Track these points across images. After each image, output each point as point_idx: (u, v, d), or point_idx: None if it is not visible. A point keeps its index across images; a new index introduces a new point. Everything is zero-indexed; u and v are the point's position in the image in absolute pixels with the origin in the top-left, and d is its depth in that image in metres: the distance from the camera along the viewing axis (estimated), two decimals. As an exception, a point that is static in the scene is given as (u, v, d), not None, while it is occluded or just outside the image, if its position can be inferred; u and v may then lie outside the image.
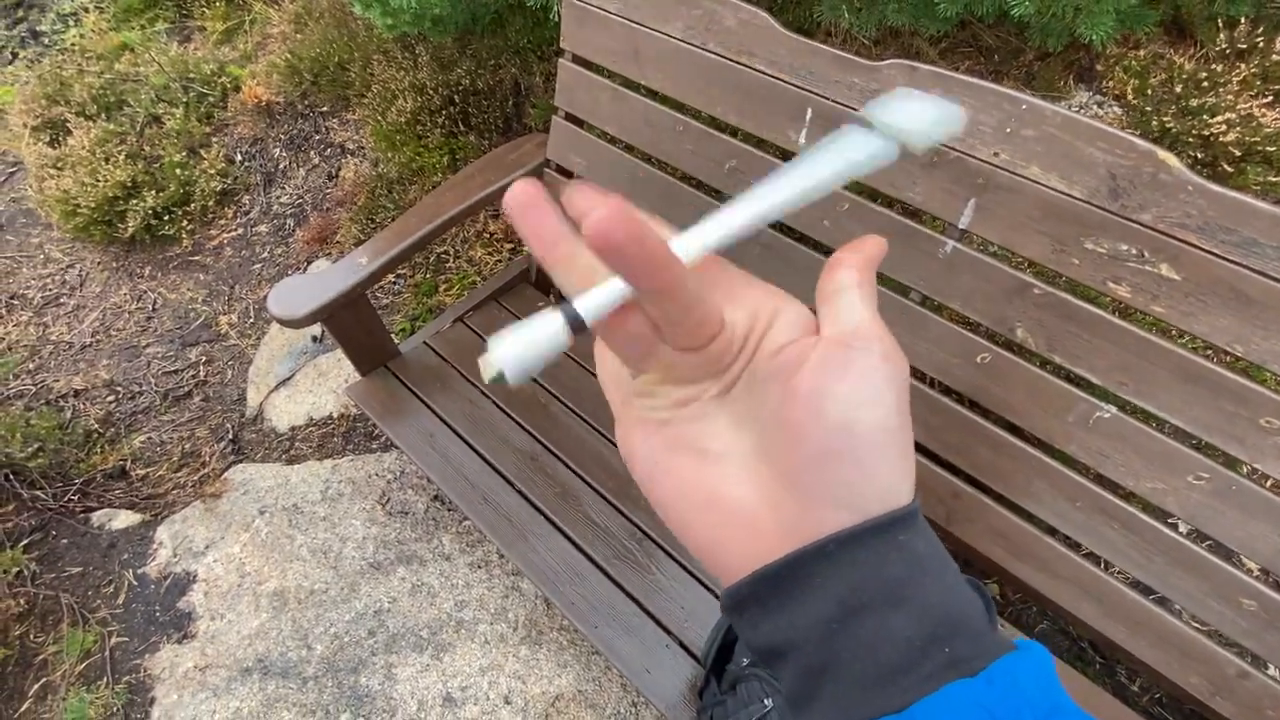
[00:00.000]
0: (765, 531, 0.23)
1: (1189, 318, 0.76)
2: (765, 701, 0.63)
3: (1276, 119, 1.13)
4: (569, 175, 1.34)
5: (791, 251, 1.06)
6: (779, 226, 1.07)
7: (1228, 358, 0.79)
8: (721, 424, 0.24)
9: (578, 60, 1.23)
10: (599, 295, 0.22)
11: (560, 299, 0.23)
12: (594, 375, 1.28)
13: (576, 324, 0.23)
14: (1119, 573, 0.92)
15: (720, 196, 1.13)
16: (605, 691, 1.19)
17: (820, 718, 0.22)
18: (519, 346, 0.22)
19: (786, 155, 1.03)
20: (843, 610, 0.22)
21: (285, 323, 1.11)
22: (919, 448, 1.04)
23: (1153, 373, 0.80)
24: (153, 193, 2.31)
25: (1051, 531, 0.96)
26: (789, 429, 0.22)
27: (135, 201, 2.30)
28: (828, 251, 1.04)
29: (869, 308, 0.24)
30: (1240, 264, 0.71)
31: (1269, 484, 0.80)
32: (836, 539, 0.22)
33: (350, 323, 1.22)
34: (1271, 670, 0.91)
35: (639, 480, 0.25)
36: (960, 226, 0.89)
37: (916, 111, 0.24)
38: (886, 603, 0.21)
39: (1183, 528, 0.88)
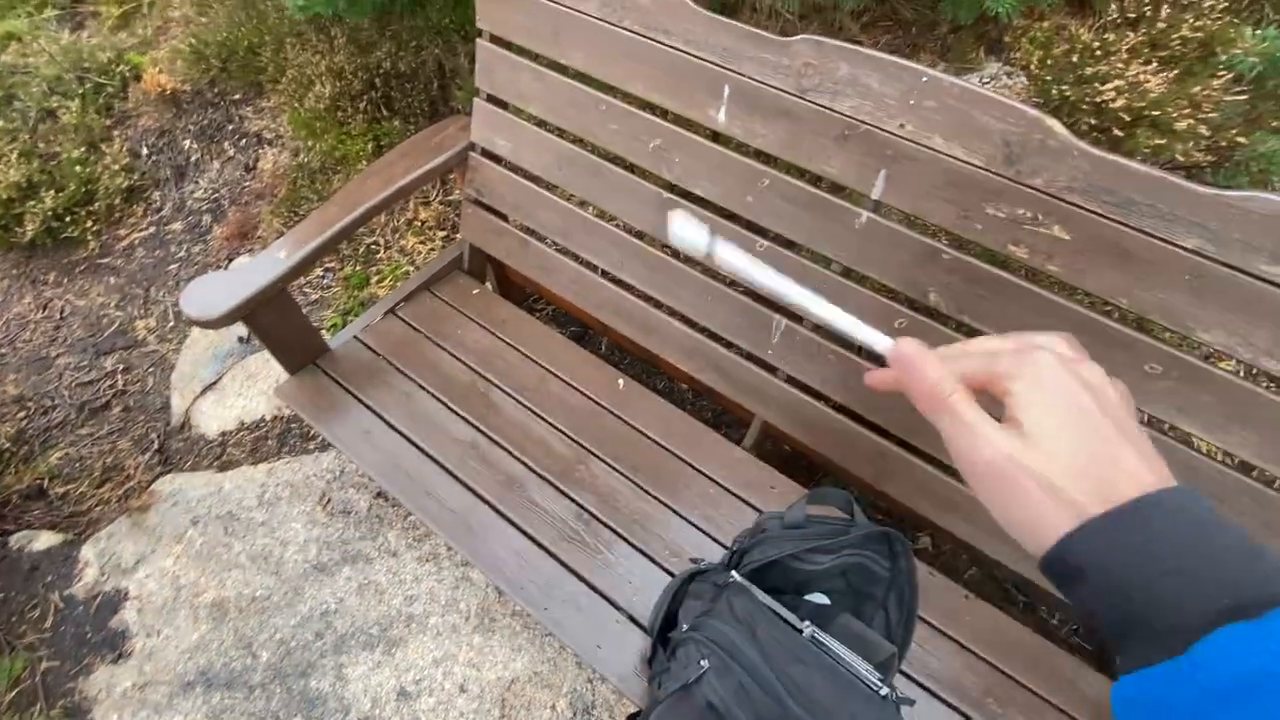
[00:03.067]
0: (1083, 507, 0.29)
1: (1080, 275, 0.82)
2: (702, 663, 0.65)
3: (1162, 84, 1.20)
4: (495, 159, 1.32)
5: (718, 226, 1.08)
6: (703, 204, 1.09)
7: (1115, 311, 0.85)
8: (1067, 440, 0.32)
9: (496, 40, 1.20)
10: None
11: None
12: (534, 361, 1.26)
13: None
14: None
15: (648, 175, 1.13)
16: (561, 671, 1.20)
17: (1128, 663, 0.27)
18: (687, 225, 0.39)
19: (713, 136, 1.04)
20: (1101, 598, 0.28)
21: (202, 324, 1.06)
22: (846, 411, 1.09)
23: (1050, 327, 0.85)
24: (51, 193, 2.15)
25: (971, 483, 1.02)
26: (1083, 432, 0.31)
27: (32, 203, 2.14)
28: (751, 226, 1.06)
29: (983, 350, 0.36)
30: (1121, 222, 0.77)
31: (1164, 428, 0.87)
32: (1146, 502, 0.28)
33: (274, 321, 1.17)
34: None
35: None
36: (873, 198, 0.92)
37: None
38: (1140, 585, 0.27)
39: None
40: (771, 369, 1.14)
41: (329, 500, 1.42)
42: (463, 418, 1.24)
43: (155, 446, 1.70)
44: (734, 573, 0.75)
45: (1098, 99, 1.20)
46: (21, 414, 1.86)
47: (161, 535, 1.40)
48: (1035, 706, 0.99)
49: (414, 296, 1.42)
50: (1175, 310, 0.78)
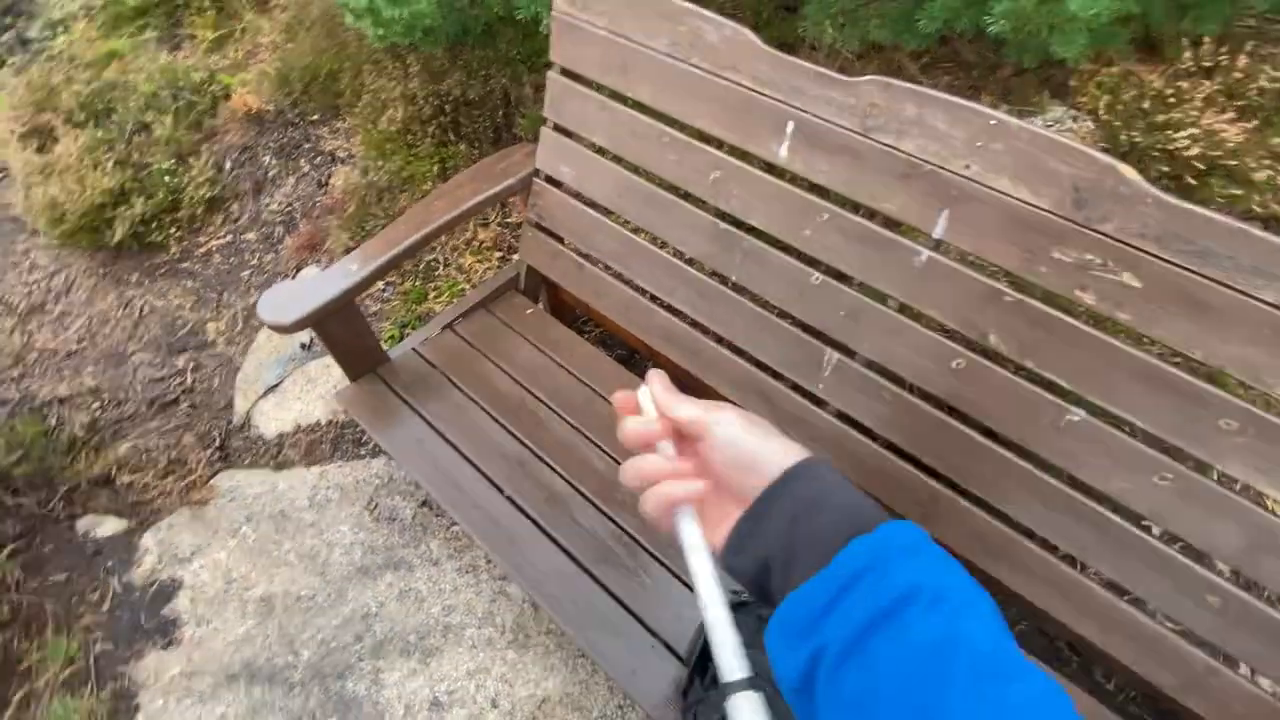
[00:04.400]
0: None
1: (1151, 323, 0.80)
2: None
3: (1238, 134, 1.17)
4: (557, 185, 1.36)
5: (773, 259, 1.09)
6: (759, 235, 1.10)
7: (1189, 363, 0.82)
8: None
9: (566, 73, 1.26)
10: (726, 652, 0.39)
11: (746, 679, 0.38)
12: (582, 382, 1.29)
13: (748, 682, 0.37)
14: (1092, 573, 0.95)
15: (704, 206, 1.16)
16: (592, 694, 1.19)
17: (793, 583, 0.36)
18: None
19: (770, 168, 1.06)
20: (789, 521, 0.38)
21: (275, 328, 1.12)
22: (896, 450, 1.07)
23: (1118, 377, 0.83)
24: (141, 200, 2.31)
25: (1026, 533, 0.99)
26: (719, 475, 0.42)
27: (123, 208, 2.30)
28: (805, 259, 1.07)
29: (687, 402, 0.44)
30: (1196, 272, 0.75)
31: (1235, 486, 0.83)
32: (771, 487, 0.39)
33: (340, 329, 1.23)
34: (1243, 668, 0.94)
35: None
36: (935, 236, 0.92)
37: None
38: (813, 510, 0.38)
39: (1152, 528, 0.91)
40: (820, 402, 1.14)
41: (376, 505, 1.46)
42: (512, 433, 1.26)
43: (217, 443, 1.78)
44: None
45: (1170, 146, 1.18)
46: (96, 405, 1.97)
47: (218, 528, 1.46)
48: (1090, 775, 0.94)
49: (471, 314, 1.47)
50: (1253, 365, 0.75)
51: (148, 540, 1.47)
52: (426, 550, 1.38)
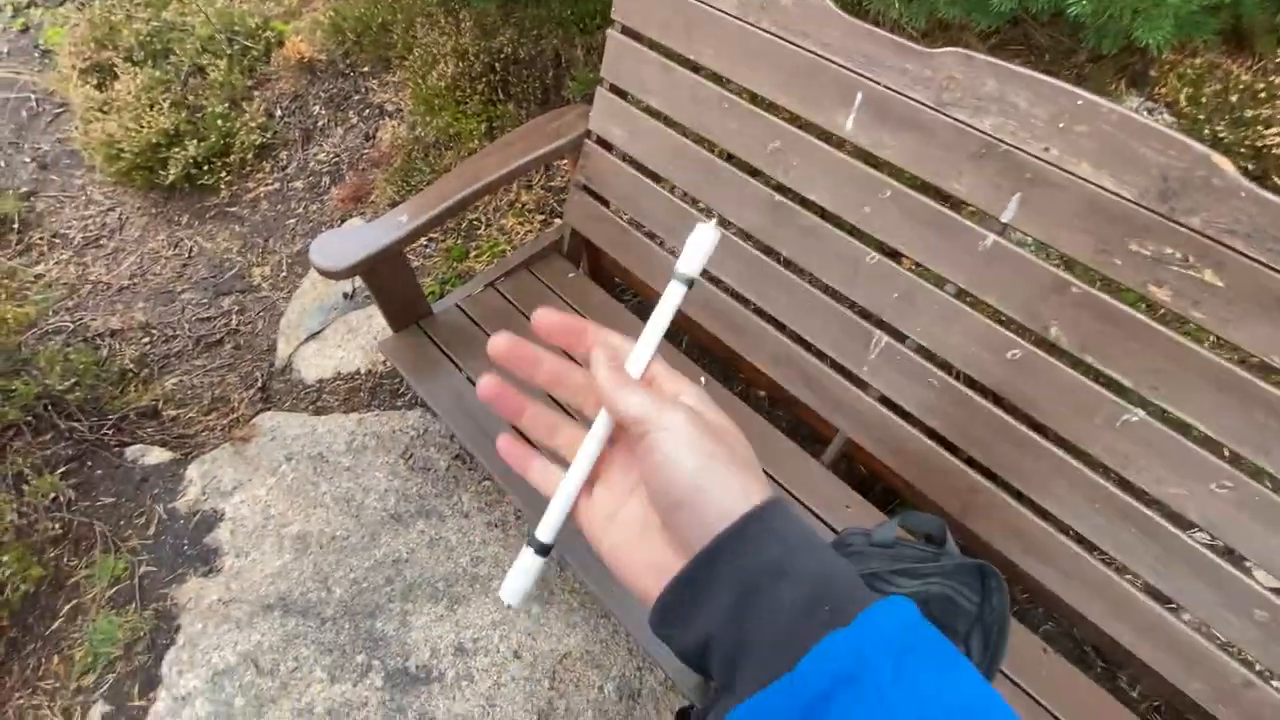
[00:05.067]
0: (671, 566, 0.30)
1: (1228, 325, 0.76)
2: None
3: (1334, 135, 1.11)
4: (608, 148, 1.34)
5: (828, 235, 1.07)
6: (817, 211, 1.08)
7: (1264, 368, 0.79)
8: (636, 505, 0.34)
9: (626, 31, 1.23)
10: (551, 516, 0.34)
11: (529, 533, 0.35)
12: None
13: (541, 548, 0.34)
14: (1133, 576, 0.93)
15: (761, 177, 1.13)
16: (612, 653, 1.22)
17: (743, 688, 0.26)
18: (511, 581, 0.34)
19: (832, 140, 1.03)
20: (739, 595, 0.27)
21: (326, 273, 1.13)
22: (939, 439, 1.05)
23: (1186, 379, 0.80)
24: (194, 142, 2.35)
25: (1067, 531, 0.97)
26: (650, 502, 0.32)
27: (177, 149, 2.34)
28: (862, 237, 1.04)
29: (637, 394, 0.32)
30: (1287, 274, 0.71)
31: (1293, 497, 0.80)
32: (716, 544, 0.28)
33: (387, 278, 1.24)
34: (1275, 682, 0.92)
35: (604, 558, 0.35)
36: (1003, 220, 0.89)
37: (688, 253, 0.35)
38: (772, 581, 0.27)
39: (1201, 536, 0.88)
40: (863, 385, 1.12)
41: (411, 455, 1.49)
42: (550, 396, 1.27)
43: (259, 384, 1.83)
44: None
45: (1258, 143, 1.11)
46: (145, 340, 2.03)
47: (259, 466, 1.51)
48: (1114, 779, 0.93)
49: (514, 273, 1.47)
50: (1337, 375, 0.72)
51: (192, 472, 1.52)
52: (458, 502, 1.40)
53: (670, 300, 0.35)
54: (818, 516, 1.15)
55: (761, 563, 0.28)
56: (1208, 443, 0.83)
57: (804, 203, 1.09)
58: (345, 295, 1.93)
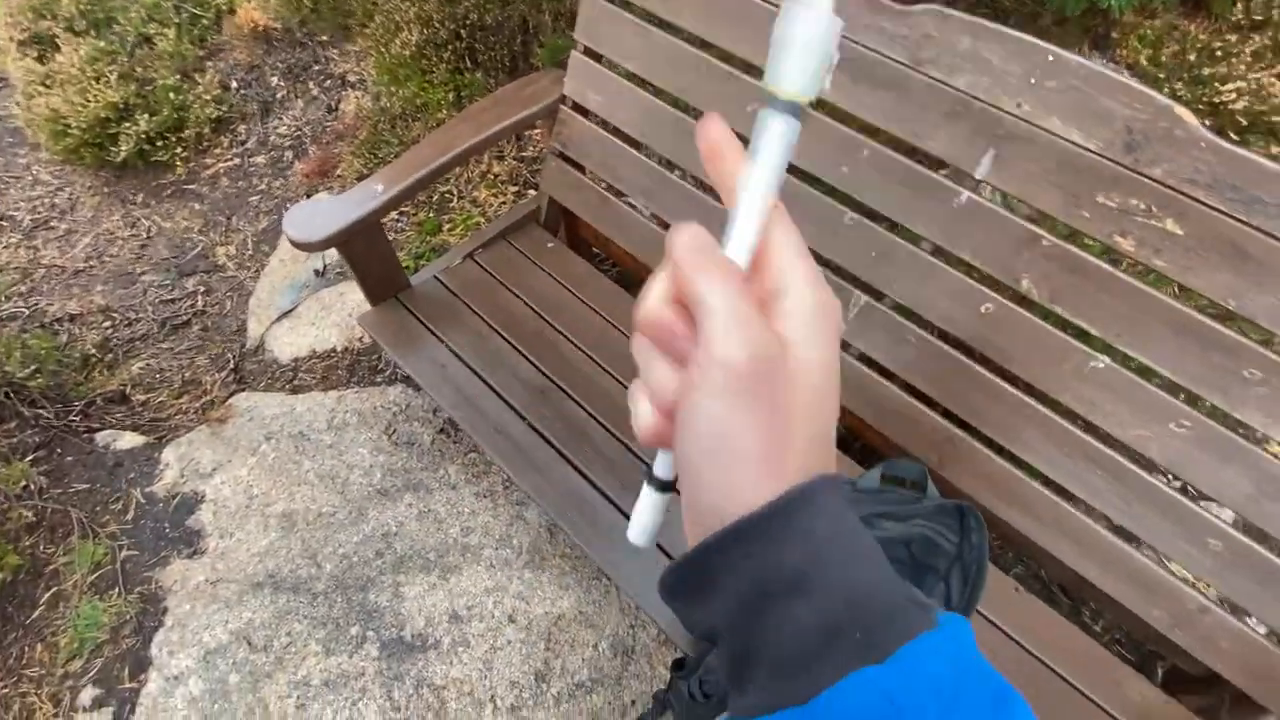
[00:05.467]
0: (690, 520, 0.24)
1: (1188, 272, 0.80)
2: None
3: (1285, 91, 1.15)
4: (584, 113, 1.33)
5: (806, 195, 1.08)
6: (793, 170, 1.09)
7: (1220, 312, 0.83)
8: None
9: (601, -7, 1.21)
10: (663, 458, 0.28)
11: (647, 470, 0.29)
12: (603, 316, 1.29)
13: (661, 485, 0.29)
14: (1099, 516, 0.99)
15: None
16: (605, 613, 1.25)
17: (753, 700, 0.22)
18: (639, 519, 0.30)
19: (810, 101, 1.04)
20: (745, 603, 0.22)
21: (302, 246, 1.11)
22: (916, 393, 1.09)
23: (1148, 325, 0.84)
24: (145, 116, 2.25)
25: (1038, 477, 1.02)
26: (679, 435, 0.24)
27: (127, 125, 2.23)
28: (840, 197, 1.06)
29: (713, 292, 0.23)
30: (1243, 221, 0.75)
31: (1252, 435, 0.86)
32: (723, 536, 0.22)
33: (364, 250, 1.22)
34: (1249, 615, 0.99)
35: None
36: (977, 177, 0.91)
37: (790, 55, 0.24)
38: (788, 592, 0.22)
39: (1162, 474, 0.93)
40: (844, 345, 1.15)
41: (394, 431, 1.48)
42: (533, 362, 1.27)
43: (231, 365, 1.79)
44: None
45: (1215, 99, 1.15)
46: (107, 324, 1.97)
47: (237, 447, 1.48)
48: (1079, 704, 1.00)
49: (492, 244, 1.46)
50: (1287, 316, 0.76)
51: (168, 455, 1.49)
52: (445, 475, 1.41)
53: (773, 145, 0.25)
54: (801, 473, 1.18)
55: (777, 569, 0.22)
56: (1168, 386, 0.87)
57: (783, 165, 1.10)
58: (317, 272, 1.89)
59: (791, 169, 1.09)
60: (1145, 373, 0.88)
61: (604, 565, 1.07)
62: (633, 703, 1.18)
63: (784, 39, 0.24)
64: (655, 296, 0.25)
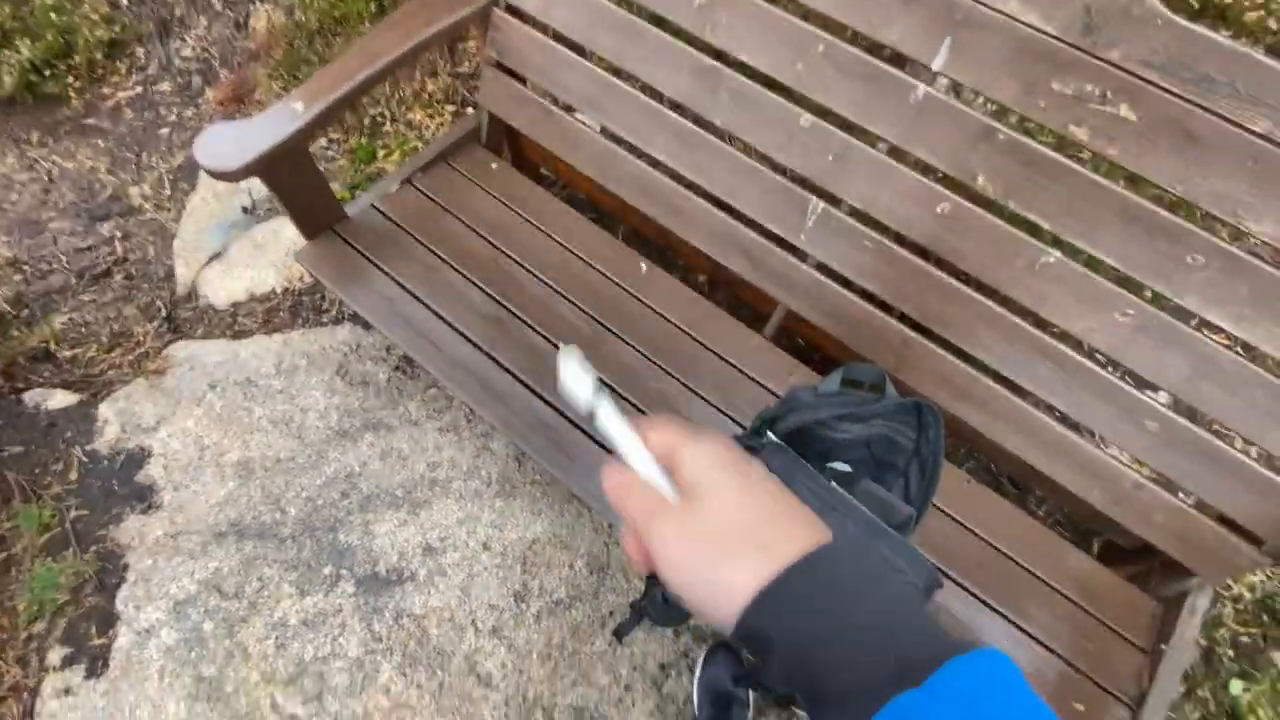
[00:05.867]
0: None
1: (1139, 159, 0.80)
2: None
3: (1236, -29, 1.13)
4: (520, 15, 1.23)
5: (761, 99, 1.03)
6: (748, 72, 1.03)
7: (1167, 199, 0.84)
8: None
9: (528, -127, 1.09)
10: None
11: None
12: (555, 240, 1.24)
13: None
14: (1046, 407, 1.03)
15: (685, 36, 1.07)
16: (578, 534, 1.27)
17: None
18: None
19: (759, -8, 0.97)
20: (789, 665, 0.27)
21: (218, 174, 1.01)
22: (874, 299, 1.09)
23: (1098, 214, 0.85)
24: (26, 42, 1.99)
25: (990, 373, 1.05)
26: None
27: (8, 52, 1.98)
28: (796, 98, 1.01)
29: (629, 500, 0.31)
30: (1194, 102, 0.74)
31: (1189, 321, 0.89)
32: (739, 631, 0.27)
33: (291, 178, 1.13)
34: (1180, 490, 1.06)
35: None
36: (934, 68, 0.88)
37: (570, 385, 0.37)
38: (821, 643, 0.26)
39: (1105, 363, 0.97)
40: (802, 255, 1.13)
41: (347, 371, 1.43)
42: (486, 292, 1.23)
43: (163, 314, 1.68)
44: (771, 434, 0.77)
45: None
46: (18, 277, 1.81)
47: (180, 398, 1.42)
48: (1021, 578, 1.07)
49: (431, 168, 1.37)
50: (1230, 198, 0.77)
51: (105, 412, 1.42)
52: (405, 412, 1.38)
53: (609, 423, 0.35)
54: (763, 385, 1.20)
55: (796, 637, 0.26)
56: (1114, 278, 0.89)
57: (735, 64, 1.04)
58: (245, 209, 1.76)
59: (746, 70, 1.04)
60: (1094, 265, 0.90)
61: (575, 488, 1.08)
62: (610, 613, 1.23)
63: (561, 386, 0.37)
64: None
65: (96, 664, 1.16)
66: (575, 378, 0.36)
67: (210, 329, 1.63)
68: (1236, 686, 1.30)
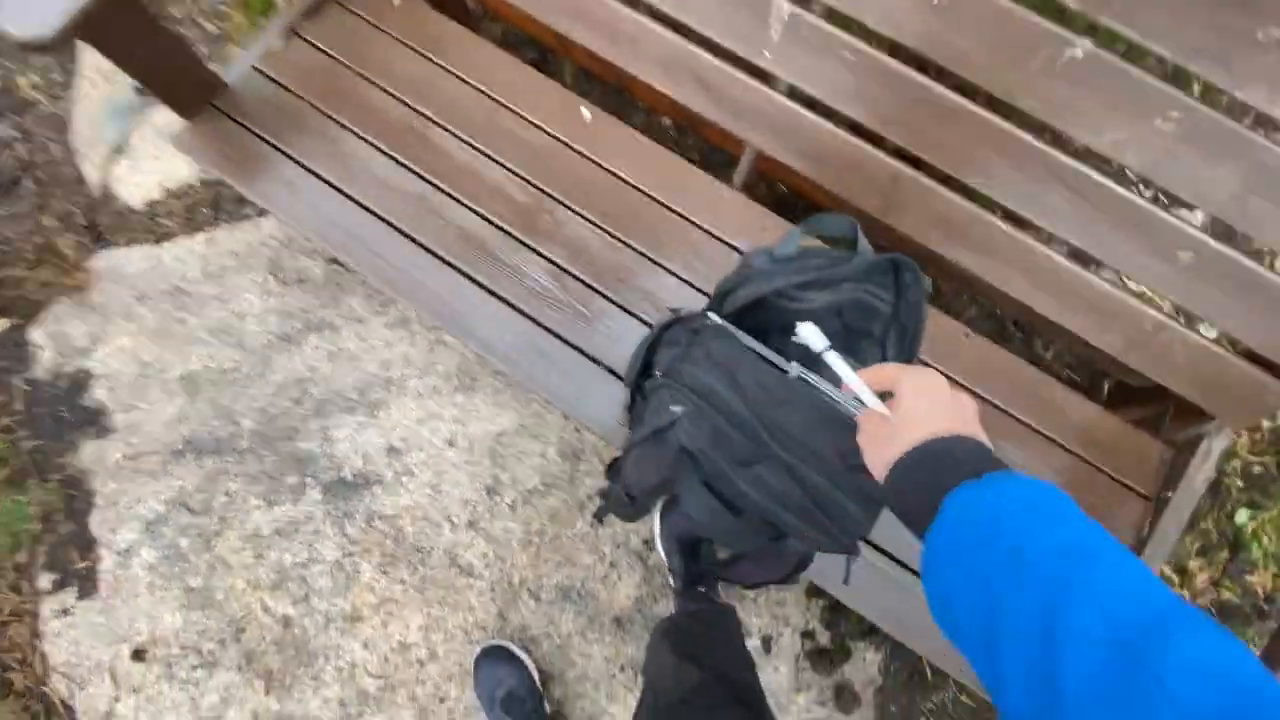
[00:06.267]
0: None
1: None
2: (674, 409, 0.59)
3: None
4: None
5: None
6: None
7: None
8: None
9: None
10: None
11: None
12: (481, 91, 1.03)
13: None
14: (1058, 243, 0.87)
15: None
16: (547, 423, 1.20)
17: (919, 526, 0.40)
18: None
19: None
20: (904, 500, 0.43)
21: (30, 46, 0.82)
22: (857, 129, 0.91)
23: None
24: None
25: (995, 208, 0.88)
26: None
27: None
28: None
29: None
30: None
31: (1246, 118, 0.70)
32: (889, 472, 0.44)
33: (128, 38, 0.92)
34: (1202, 323, 0.92)
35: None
36: None
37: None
38: (923, 488, 0.41)
39: (1136, 183, 0.80)
40: (769, 79, 0.93)
41: (280, 269, 1.30)
42: (402, 164, 1.05)
43: (83, 222, 1.52)
44: (711, 315, 0.64)
45: None
46: (-80, 197, 1.64)
47: (109, 314, 1.31)
48: (1025, 436, 0.99)
49: (321, 11, 1.13)
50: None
51: (36, 336, 1.33)
52: (348, 308, 1.26)
53: (838, 364, 0.53)
54: (732, 246, 1.05)
55: (964, 453, 0.41)
56: (1160, 75, 0.70)
57: None
58: (138, 90, 1.52)
59: None
60: (1134, 55, 0.70)
61: (525, 380, 0.98)
62: (590, 497, 1.19)
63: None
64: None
65: (86, 585, 1.17)
66: (813, 333, 0.55)
67: (133, 234, 1.48)
68: (1243, 516, 1.26)
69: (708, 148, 1.40)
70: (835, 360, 0.50)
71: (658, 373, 0.67)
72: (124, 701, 1.15)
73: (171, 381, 1.25)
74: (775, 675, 1.19)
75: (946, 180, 0.88)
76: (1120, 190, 0.78)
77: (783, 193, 1.33)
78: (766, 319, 0.69)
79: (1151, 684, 0.24)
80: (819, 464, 0.54)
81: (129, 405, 1.25)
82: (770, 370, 0.59)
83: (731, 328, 0.63)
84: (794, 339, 0.71)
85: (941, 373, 0.97)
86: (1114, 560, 0.30)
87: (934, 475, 0.39)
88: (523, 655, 1.12)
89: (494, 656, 1.11)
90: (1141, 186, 0.82)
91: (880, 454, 0.43)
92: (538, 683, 1.11)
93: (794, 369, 0.65)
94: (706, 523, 0.58)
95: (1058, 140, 0.80)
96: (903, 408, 0.44)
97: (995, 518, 0.34)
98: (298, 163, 1.04)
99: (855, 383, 0.50)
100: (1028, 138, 0.80)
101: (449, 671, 1.14)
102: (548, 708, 1.10)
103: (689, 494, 0.59)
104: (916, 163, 0.89)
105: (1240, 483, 1.26)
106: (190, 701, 1.14)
